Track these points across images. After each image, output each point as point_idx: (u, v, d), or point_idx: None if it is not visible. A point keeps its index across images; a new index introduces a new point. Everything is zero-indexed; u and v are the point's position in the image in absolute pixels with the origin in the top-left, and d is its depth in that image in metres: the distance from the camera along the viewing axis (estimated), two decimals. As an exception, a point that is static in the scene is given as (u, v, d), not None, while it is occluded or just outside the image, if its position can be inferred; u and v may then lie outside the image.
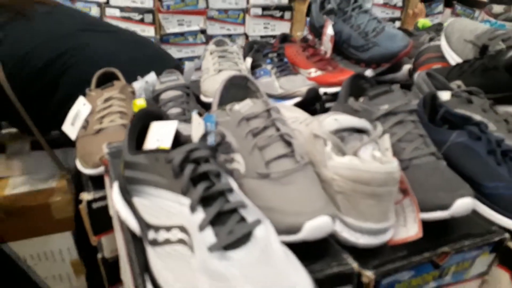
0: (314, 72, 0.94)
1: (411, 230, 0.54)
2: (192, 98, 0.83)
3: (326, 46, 1.00)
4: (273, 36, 2.02)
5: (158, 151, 0.46)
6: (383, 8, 2.05)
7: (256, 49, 0.96)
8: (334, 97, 0.92)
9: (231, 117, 0.58)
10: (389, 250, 0.54)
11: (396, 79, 1.04)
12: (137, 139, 0.54)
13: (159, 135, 0.51)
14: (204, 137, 0.52)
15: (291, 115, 0.69)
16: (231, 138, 0.56)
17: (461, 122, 0.69)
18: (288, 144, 0.54)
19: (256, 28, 1.99)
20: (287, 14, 2.02)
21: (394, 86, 0.67)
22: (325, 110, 0.91)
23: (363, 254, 0.52)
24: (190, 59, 1.92)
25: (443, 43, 0.96)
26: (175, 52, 1.85)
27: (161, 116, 0.55)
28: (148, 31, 1.77)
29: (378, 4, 1.99)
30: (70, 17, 0.98)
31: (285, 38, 1.07)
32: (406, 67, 1.02)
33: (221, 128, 0.58)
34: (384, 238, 0.52)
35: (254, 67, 0.95)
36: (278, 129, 0.56)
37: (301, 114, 0.71)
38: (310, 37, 1.06)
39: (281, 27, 2.04)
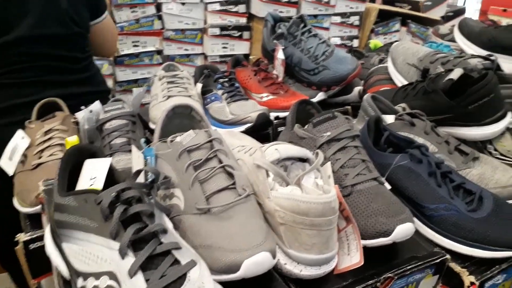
0: (266, 97, 0.95)
1: (354, 258, 0.54)
2: (139, 126, 0.81)
3: (278, 70, 1.01)
4: (233, 56, 2.03)
5: (88, 191, 0.44)
6: (341, 27, 2.11)
7: (206, 74, 0.96)
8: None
9: (172, 149, 0.57)
10: (334, 279, 0.54)
11: (348, 101, 1.06)
12: (72, 178, 0.52)
13: (92, 174, 0.49)
14: (142, 172, 0.51)
15: (239, 143, 0.68)
16: (171, 172, 0.55)
17: (404, 145, 0.71)
18: (230, 176, 0.54)
19: (215, 48, 2.00)
20: (246, 34, 2.04)
21: (337, 112, 0.68)
22: (278, 134, 0.91)
23: (307, 286, 0.52)
24: (147, 80, 1.90)
25: (389, 65, 0.99)
26: (130, 73, 1.83)
27: (95, 153, 0.53)
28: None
29: (335, 23, 2.05)
30: None
31: (237, 62, 1.08)
32: (357, 89, 1.05)
33: (161, 162, 0.56)
34: (328, 268, 0.52)
35: (204, 92, 0.94)
36: (220, 161, 0.55)
37: (249, 142, 0.71)
38: (263, 60, 1.08)
39: (240, 47, 2.06)
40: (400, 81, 0.95)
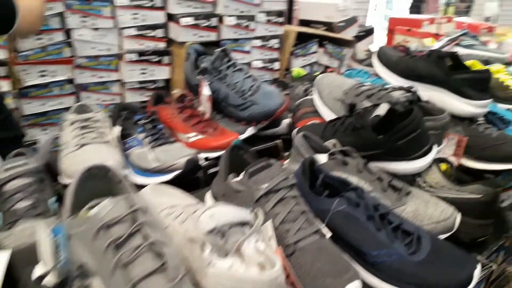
0: (193, 136, 0.88)
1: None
2: (48, 183, 0.70)
3: (204, 106, 0.96)
4: (153, 81, 1.93)
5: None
6: (262, 50, 2.11)
7: (125, 116, 0.87)
8: (217, 161, 0.87)
9: (86, 225, 0.48)
10: None
11: (277, 133, 1.04)
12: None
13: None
14: (50, 257, 0.42)
15: (167, 202, 0.61)
16: (87, 255, 0.46)
17: (340, 187, 0.70)
18: (159, 255, 0.46)
19: (133, 74, 1.88)
20: (166, 59, 1.95)
21: (272, 160, 0.64)
22: (209, 177, 0.85)
23: None
24: (59, 111, 1.73)
25: (315, 98, 0.99)
26: (37, 106, 1.64)
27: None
28: (1, 86, 1.53)
29: (256, 46, 2.04)
30: None
31: (159, 99, 1.00)
32: (286, 121, 1.03)
33: (74, 243, 0.47)
34: None
35: (124, 136, 0.85)
36: (146, 237, 0.48)
37: (179, 199, 0.64)
38: (187, 95, 1.01)
39: (160, 72, 1.96)
40: (327, 115, 0.95)
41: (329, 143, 0.81)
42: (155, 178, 0.77)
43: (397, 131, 0.75)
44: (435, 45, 1.57)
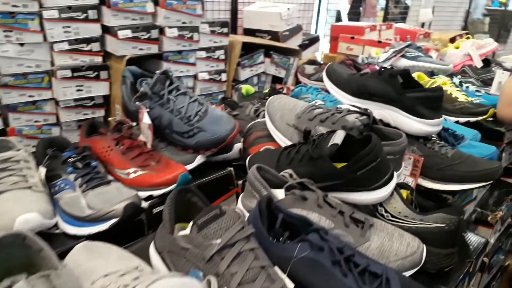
0: (133, 173, 0.78)
1: None
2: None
3: (145, 135, 0.86)
4: (91, 98, 1.78)
5: None
6: (207, 61, 2.03)
7: (51, 155, 0.75)
8: (162, 199, 0.78)
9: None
10: None
11: (228, 159, 0.96)
12: None
13: None
14: None
15: (101, 269, 0.51)
16: None
17: (301, 226, 0.64)
18: None
19: (67, 92, 1.72)
20: (103, 74, 1.80)
21: (224, 207, 0.56)
22: (154, 219, 0.76)
23: None
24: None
25: (267, 121, 0.93)
26: (-45, 134, 1.44)
27: None
28: None
29: (201, 58, 1.96)
30: None
31: (92, 128, 0.88)
32: (237, 146, 0.95)
33: None
34: None
35: (51, 178, 0.73)
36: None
37: (117, 263, 0.54)
38: (125, 123, 0.90)
39: (98, 88, 1.81)
40: (281, 140, 0.89)
41: (286, 173, 0.75)
42: (90, 228, 0.66)
43: (356, 161, 0.70)
44: (381, 56, 1.58)
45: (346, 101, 1.00)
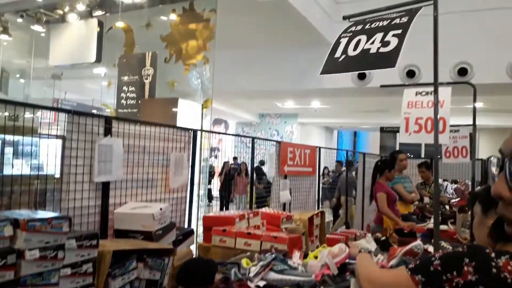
0: None
1: None
2: None
3: None
4: None
5: None
6: (73, 278, 1.89)
7: None
8: None
9: None
10: None
11: None
12: None
13: None
14: None
15: None
16: None
17: None
18: None
19: None
20: None
21: None
22: None
23: None
24: None
25: None
26: None
27: None
28: None
29: (66, 275, 1.83)
30: None
31: None
32: None
33: None
34: None
35: None
36: None
37: None
38: None
39: None
40: None
41: None
42: None
43: None
44: (252, 270, 1.67)
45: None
